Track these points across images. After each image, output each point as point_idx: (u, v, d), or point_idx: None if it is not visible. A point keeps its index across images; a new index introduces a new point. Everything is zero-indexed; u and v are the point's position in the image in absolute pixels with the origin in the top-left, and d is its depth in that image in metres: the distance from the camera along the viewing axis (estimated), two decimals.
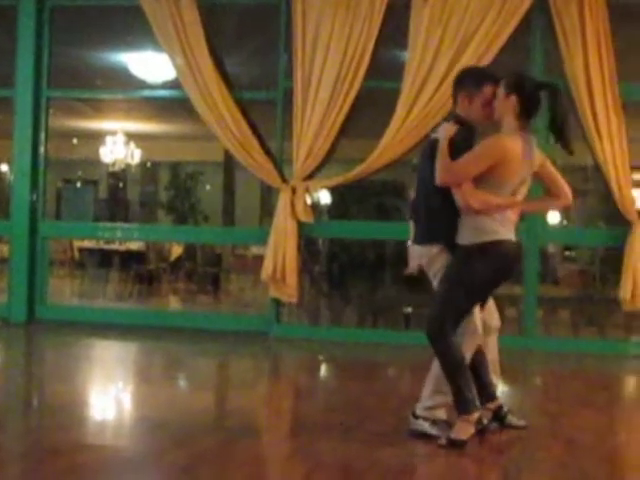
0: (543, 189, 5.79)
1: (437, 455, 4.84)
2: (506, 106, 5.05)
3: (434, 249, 5.15)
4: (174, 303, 14.55)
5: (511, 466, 4.91)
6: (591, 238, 10.19)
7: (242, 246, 15.73)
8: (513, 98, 5.03)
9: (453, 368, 5.00)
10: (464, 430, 4.94)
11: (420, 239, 5.27)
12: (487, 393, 5.33)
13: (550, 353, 8.93)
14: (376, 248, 11.41)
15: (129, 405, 6.43)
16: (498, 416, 5.36)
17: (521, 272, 9.01)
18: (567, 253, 14.99)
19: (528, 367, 8.47)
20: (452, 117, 5.26)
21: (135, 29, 10.11)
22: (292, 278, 9.21)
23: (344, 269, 11.45)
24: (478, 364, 5.24)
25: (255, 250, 14.31)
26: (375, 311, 10.31)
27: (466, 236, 5.03)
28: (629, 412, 6.75)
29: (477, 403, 5.05)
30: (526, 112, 5.04)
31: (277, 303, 9.48)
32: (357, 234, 9.98)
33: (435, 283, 5.19)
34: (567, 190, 5.35)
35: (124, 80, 11.89)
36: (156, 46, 9.88)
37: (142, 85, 11.61)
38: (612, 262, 10.08)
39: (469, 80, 5.28)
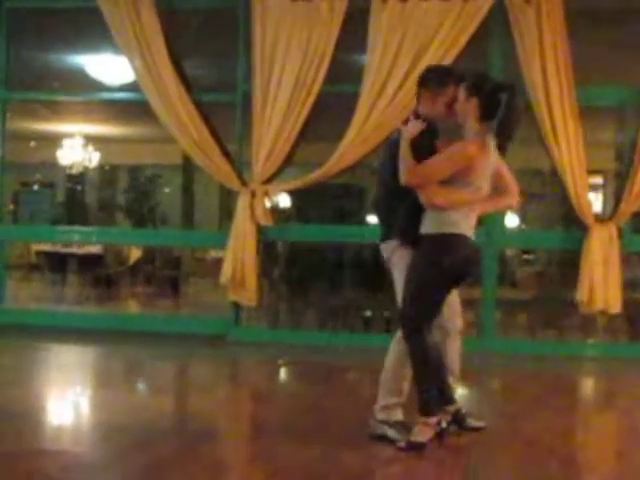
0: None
1: (397, 458, 4.86)
2: (467, 109, 5.07)
3: (393, 243, 5.21)
4: (133, 307, 14.48)
5: (471, 468, 4.94)
6: (549, 241, 10.27)
7: (201, 249, 15.68)
8: (474, 101, 5.05)
9: (426, 368, 5.00)
10: (424, 433, 4.96)
11: (382, 236, 5.31)
12: (446, 396, 5.36)
13: (508, 355, 8.99)
14: (336, 251, 11.42)
15: (88, 410, 6.39)
16: (457, 418, 5.39)
17: (480, 275, 9.07)
18: (525, 256, 15.08)
19: (487, 369, 8.51)
20: (414, 115, 5.24)
21: (93, 31, 10.03)
22: (251, 281, 9.21)
23: (304, 272, 11.44)
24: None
25: (214, 253, 14.27)
26: (335, 314, 10.32)
27: (430, 226, 5.04)
28: (587, 413, 6.82)
29: (439, 406, 5.07)
30: (487, 114, 5.06)
31: (236, 306, 9.46)
32: (316, 237, 9.98)
33: (396, 276, 5.22)
34: (516, 189, 5.42)
35: (82, 82, 11.81)
36: (115, 48, 9.84)
37: (100, 87, 11.53)
38: (569, 265, 10.17)
39: (434, 79, 5.29)
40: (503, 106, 5.01)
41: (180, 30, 9.70)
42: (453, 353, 5.50)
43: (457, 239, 5.02)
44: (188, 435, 5.36)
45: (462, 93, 5.09)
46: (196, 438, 5.22)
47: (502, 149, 5.16)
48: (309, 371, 8.18)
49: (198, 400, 6.83)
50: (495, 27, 9.07)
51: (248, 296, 9.26)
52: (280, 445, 5.05)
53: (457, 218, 5.03)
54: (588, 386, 8.45)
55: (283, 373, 8.43)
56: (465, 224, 5.07)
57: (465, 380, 6.33)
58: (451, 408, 5.34)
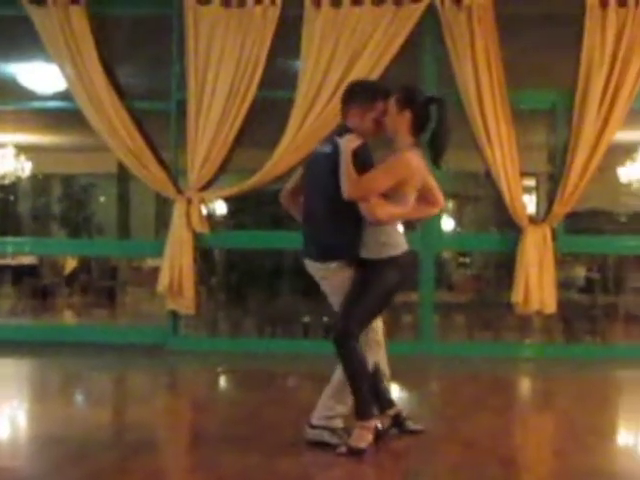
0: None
1: (336, 463, 4.87)
2: (400, 122, 5.10)
3: (333, 265, 5.17)
4: (69, 317, 14.29)
5: (410, 471, 4.96)
6: (484, 244, 10.37)
7: (138, 258, 15.55)
8: (407, 114, 5.08)
9: (358, 375, 5.03)
10: (363, 438, 4.98)
11: (318, 256, 5.24)
12: (385, 400, 5.39)
13: (446, 357, 9.06)
14: (273, 258, 11.41)
15: (24, 423, 6.29)
16: (397, 422, 5.42)
17: (417, 279, 9.13)
18: (461, 259, 15.22)
19: (425, 372, 8.56)
20: (342, 130, 5.24)
21: (24, 40, 9.90)
22: (189, 290, 9.16)
23: (242, 279, 11.42)
24: (376, 371, 5.28)
25: (151, 262, 14.17)
26: (273, 321, 10.30)
27: (375, 251, 5.08)
28: (524, 414, 6.89)
29: (375, 411, 5.10)
30: (419, 127, 5.12)
31: (174, 315, 9.41)
32: (253, 244, 9.97)
33: (332, 298, 5.22)
34: (441, 197, 5.48)
35: (13, 91, 11.65)
36: (46, 57, 9.71)
37: (32, 96, 11.39)
38: (505, 266, 10.28)
39: (362, 94, 5.29)
40: (435, 119, 5.08)
41: (112, 37, 9.62)
42: (382, 358, 5.53)
43: (402, 258, 5.10)
44: (126, 446, 5.31)
45: (393, 107, 5.12)
46: (134, 449, 5.17)
47: (437, 161, 5.20)
48: (248, 379, 8.15)
49: (136, 410, 6.77)
50: (427, 32, 9.14)
51: (186, 304, 9.22)
52: (219, 454, 5.03)
53: (396, 236, 5.13)
54: (525, 387, 8.53)
55: (222, 381, 8.39)
56: (401, 237, 5.17)
57: (403, 383, 6.37)
58: (391, 411, 5.38)
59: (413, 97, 5.14)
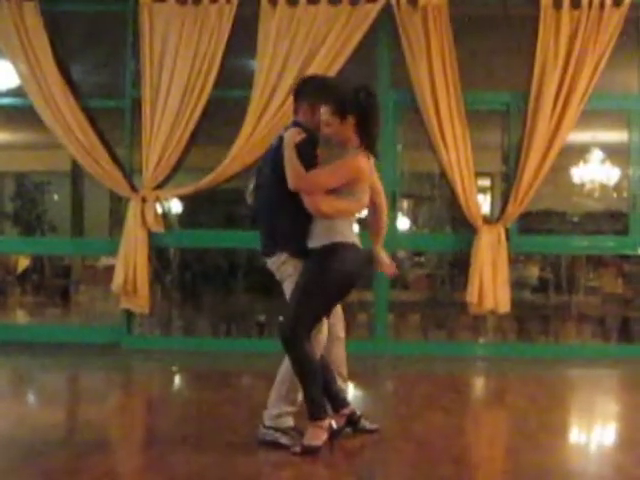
0: None
1: (291, 463, 4.86)
2: (345, 130, 5.09)
3: (282, 257, 5.19)
4: (22, 317, 14.16)
5: (364, 470, 4.97)
6: (439, 243, 10.43)
7: (92, 257, 15.44)
8: (350, 120, 5.07)
9: (307, 374, 5.02)
10: (317, 436, 4.99)
11: (265, 249, 5.29)
12: (339, 399, 5.39)
13: (400, 357, 9.09)
14: (228, 256, 11.39)
15: None
16: (351, 421, 5.43)
17: (372, 277, 9.15)
18: (416, 258, 15.27)
19: (379, 371, 8.60)
20: (293, 125, 5.27)
21: None
22: (143, 288, 9.12)
23: (196, 278, 11.38)
24: (324, 372, 5.27)
25: (105, 260, 14.07)
26: (228, 320, 10.28)
27: (318, 239, 5.08)
28: (477, 413, 6.93)
29: (328, 409, 5.11)
30: (366, 128, 5.11)
31: (128, 314, 9.36)
32: (208, 243, 9.94)
33: (285, 289, 5.23)
34: (385, 203, 5.56)
35: None
36: None
37: None
38: (459, 266, 10.34)
39: (313, 91, 5.31)
40: (363, 106, 5.06)
41: (66, 34, 9.54)
42: (339, 357, 5.54)
43: (346, 248, 5.08)
44: (79, 446, 5.27)
45: (333, 118, 5.07)
46: (87, 448, 5.13)
47: (371, 150, 5.17)
48: (202, 378, 8.13)
49: (89, 410, 6.71)
50: (383, 32, 9.18)
51: (140, 303, 9.17)
52: (173, 453, 5.01)
53: (343, 227, 5.11)
54: (479, 386, 8.59)
55: (176, 380, 8.36)
56: (351, 232, 5.17)
57: (358, 382, 6.39)
58: (345, 411, 5.38)
59: (351, 103, 5.08)
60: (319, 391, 5.06)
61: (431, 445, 5.35)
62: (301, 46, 8.94)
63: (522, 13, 9.03)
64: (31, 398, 7.42)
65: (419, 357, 9.09)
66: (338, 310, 5.50)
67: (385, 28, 9.14)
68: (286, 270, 5.20)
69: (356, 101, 5.08)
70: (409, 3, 8.96)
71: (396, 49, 9.09)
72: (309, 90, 5.33)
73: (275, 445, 5.10)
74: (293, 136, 5.08)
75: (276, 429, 5.16)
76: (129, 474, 4.88)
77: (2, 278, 14.69)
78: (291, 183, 5.02)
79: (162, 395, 7.47)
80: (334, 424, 5.16)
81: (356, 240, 5.18)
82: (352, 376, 5.76)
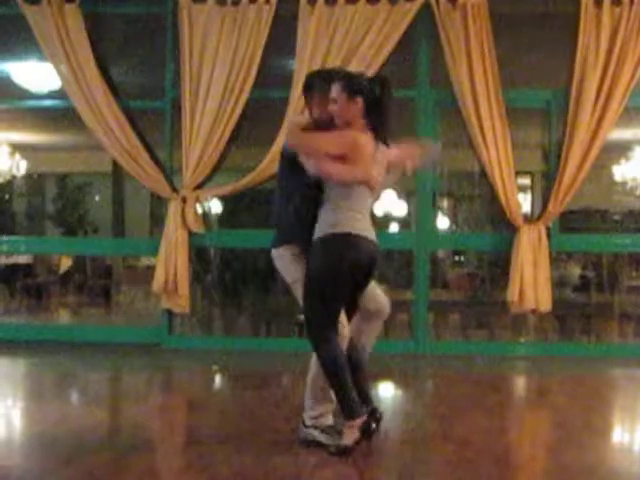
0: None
1: (331, 462, 4.86)
2: (351, 110, 5.06)
3: (280, 249, 5.32)
4: (64, 316, 14.28)
5: (405, 470, 4.95)
6: (479, 243, 10.36)
7: (133, 257, 15.54)
8: (358, 101, 5.05)
9: (331, 374, 5.02)
10: (349, 436, 4.97)
11: (272, 244, 5.42)
12: (362, 397, 5.33)
13: (441, 356, 9.06)
14: (268, 257, 11.39)
15: (19, 423, 6.27)
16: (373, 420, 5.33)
17: (412, 277, 9.14)
18: (456, 258, 15.22)
19: (419, 371, 8.57)
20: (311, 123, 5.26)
21: (18, 38, 9.88)
22: (184, 288, 9.16)
23: (236, 278, 11.40)
24: (356, 370, 5.25)
25: (146, 261, 14.14)
26: (268, 319, 10.30)
27: (320, 230, 5.05)
28: (518, 412, 6.89)
29: (361, 408, 5.06)
30: (374, 113, 5.08)
31: (169, 314, 9.41)
32: (248, 243, 9.96)
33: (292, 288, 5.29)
34: (413, 150, 5.40)
35: (8, 90, 11.62)
36: (40, 55, 9.70)
37: (27, 95, 11.36)
38: (500, 265, 10.28)
39: (320, 82, 5.25)
40: (375, 92, 5.05)
41: (107, 36, 9.62)
42: (369, 332, 5.45)
43: (345, 238, 4.99)
44: (120, 445, 5.30)
45: (342, 95, 5.06)
46: (128, 448, 5.16)
47: (384, 141, 5.13)
48: (243, 377, 8.15)
49: (131, 410, 6.76)
50: (422, 31, 9.16)
51: (181, 303, 9.22)
52: (214, 453, 5.02)
53: (344, 218, 5.00)
54: (520, 385, 8.53)
55: (217, 380, 8.38)
56: (355, 223, 5.03)
57: (398, 381, 6.38)
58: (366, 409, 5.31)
59: (362, 85, 5.08)
60: (348, 390, 5.00)
61: (472, 445, 5.32)
62: (340, 45, 8.94)
63: (562, 10, 8.96)
64: (73, 398, 7.47)
65: (459, 356, 9.05)
66: (372, 289, 5.42)
67: (424, 27, 9.11)
68: (280, 262, 5.34)
69: (369, 85, 5.08)
70: (448, 1, 8.93)
71: (435, 48, 9.07)
72: (317, 82, 5.27)
73: (316, 444, 5.11)
74: (294, 118, 5.11)
75: (315, 427, 5.17)
76: (170, 474, 4.91)
77: (45, 278, 14.80)
78: (289, 141, 5.11)
79: (202, 395, 7.50)
80: (373, 424, 5.12)
81: (364, 232, 5.05)
82: (392, 375, 5.74)
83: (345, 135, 5.05)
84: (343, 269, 5.00)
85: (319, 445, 5.09)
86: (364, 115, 5.07)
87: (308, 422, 5.20)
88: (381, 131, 5.11)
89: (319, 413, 5.20)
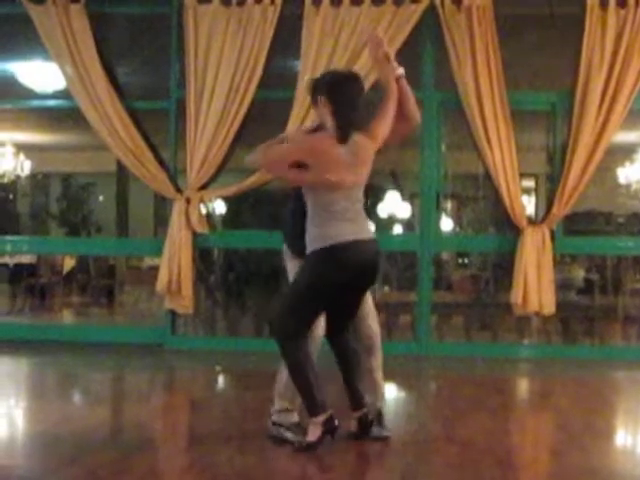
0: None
1: (336, 463, 4.87)
2: (321, 110, 5.07)
3: (284, 248, 5.45)
4: (67, 317, 14.30)
5: (408, 471, 4.95)
6: (483, 244, 10.37)
7: (136, 257, 15.55)
8: (323, 100, 5.03)
9: (299, 371, 5.06)
10: (313, 433, 4.99)
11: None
12: (355, 399, 5.32)
13: (444, 358, 9.06)
14: (271, 257, 11.40)
15: (22, 422, 6.28)
16: (363, 426, 5.31)
17: (415, 279, 9.15)
18: (460, 260, 15.22)
19: (422, 372, 8.56)
20: (315, 128, 5.23)
21: (23, 37, 9.90)
22: (187, 289, 9.16)
23: (240, 279, 11.41)
24: (351, 367, 5.28)
25: (150, 261, 14.16)
26: (271, 321, 10.28)
27: (308, 244, 5.04)
28: (522, 414, 6.89)
29: (324, 405, 5.01)
30: (337, 110, 5.02)
31: (173, 314, 9.41)
32: (252, 244, 9.97)
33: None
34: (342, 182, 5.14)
35: (12, 90, 11.63)
36: (45, 55, 9.71)
37: (31, 95, 11.37)
38: (503, 268, 10.28)
39: (310, 92, 5.25)
40: (332, 87, 5.04)
41: (112, 36, 9.63)
42: (374, 372, 5.45)
43: (330, 251, 4.94)
44: (123, 445, 5.30)
45: (309, 98, 5.20)
46: (131, 448, 5.16)
47: (344, 132, 5.01)
48: (246, 378, 8.15)
49: (133, 410, 6.77)
50: (427, 32, 9.16)
51: (184, 304, 9.21)
52: (216, 453, 5.02)
53: (328, 230, 4.95)
54: (523, 387, 8.53)
55: (220, 381, 8.39)
56: (340, 230, 4.96)
57: (401, 383, 6.38)
58: (357, 414, 5.30)
59: (320, 84, 5.10)
60: (309, 387, 5.01)
61: (475, 447, 5.32)
62: (345, 46, 8.94)
63: (567, 12, 8.96)
64: (76, 398, 7.49)
65: (462, 358, 9.05)
66: (364, 315, 5.43)
67: (429, 28, 9.11)
68: (287, 264, 5.41)
69: (323, 82, 5.10)
70: (453, 3, 8.92)
71: (440, 49, 9.07)
72: (309, 92, 5.27)
73: (281, 440, 5.17)
74: (297, 130, 5.17)
75: (281, 425, 5.24)
76: (173, 474, 4.91)
77: (48, 278, 14.82)
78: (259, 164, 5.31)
79: (205, 395, 7.50)
80: (335, 420, 5.04)
81: (353, 235, 4.98)
82: (395, 377, 5.74)
83: (301, 141, 5.08)
84: (328, 286, 5.02)
85: (285, 442, 5.14)
86: (333, 113, 5.02)
87: (274, 417, 5.28)
88: (346, 128, 5.00)
89: (282, 408, 5.28)
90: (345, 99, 5.03)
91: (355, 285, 5.11)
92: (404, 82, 5.26)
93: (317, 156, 4.97)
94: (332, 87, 5.06)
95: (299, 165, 5.00)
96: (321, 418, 4.98)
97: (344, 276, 4.99)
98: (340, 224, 4.97)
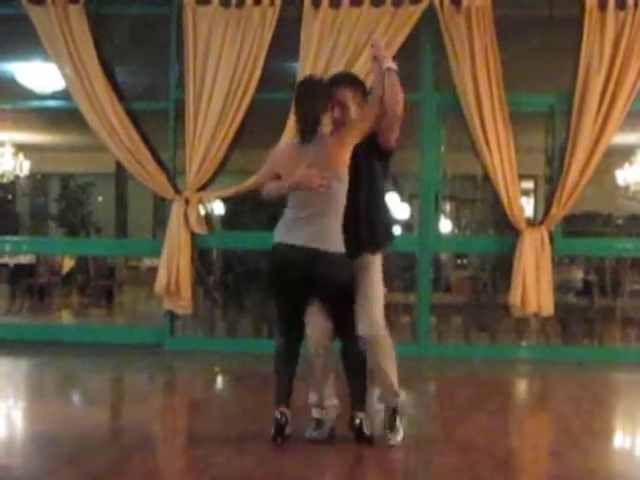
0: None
1: (334, 464, 4.88)
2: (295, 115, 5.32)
3: None
4: (67, 317, 14.29)
5: (407, 473, 4.96)
6: (482, 246, 10.38)
7: (135, 258, 15.55)
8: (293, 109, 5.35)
9: (275, 363, 5.61)
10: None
11: None
12: (350, 403, 5.35)
13: (443, 359, 9.06)
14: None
15: (21, 422, 6.29)
16: (351, 427, 5.29)
17: (414, 280, 9.15)
18: (459, 261, 15.22)
19: (421, 373, 8.57)
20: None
21: (23, 38, 9.90)
22: (186, 290, 9.16)
23: (239, 280, 11.41)
24: (346, 372, 5.40)
25: (149, 262, 14.15)
26: (270, 321, 10.29)
27: None
28: (521, 416, 6.89)
29: (281, 401, 5.30)
30: (297, 115, 5.24)
31: (171, 315, 9.41)
32: (250, 245, 9.97)
33: None
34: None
35: (12, 90, 11.64)
36: (45, 56, 9.71)
37: (30, 95, 11.38)
38: (502, 269, 10.28)
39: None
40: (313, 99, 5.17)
41: (111, 37, 9.63)
42: (377, 371, 5.45)
43: (272, 250, 5.27)
44: (122, 446, 5.32)
45: None
46: (130, 449, 5.17)
47: (300, 134, 5.22)
48: (245, 379, 8.15)
49: (132, 410, 6.77)
50: (426, 34, 9.16)
51: (183, 304, 9.21)
52: (216, 454, 5.02)
53: (281, 229, 5.27)
54: (522, 389, 8.54)
55: (219, 381, 8.39)
56: (281, 230, 5.26)
57: (400, 384, 6.34)
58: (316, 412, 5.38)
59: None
60: (278, 381, 5.51)
61: (474, 448, 5.32)
62: (344, 48, 8.94)
63: (566, 14, 8.96)
64: (75, 398, 7.49)
65: (461, 359, 9.05)
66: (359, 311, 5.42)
67: (428, 30, 9.11)
68: None
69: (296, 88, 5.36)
70: (452, 4, 8.92)
71: (439, 51, 9.07)
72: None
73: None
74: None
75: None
76: (172, 474, 4.92)
77: (47, 279, 14.81)
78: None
79: (205, 396, 7.51)
80: (282, 418, 5.24)
81: (285, 238, 5.19)
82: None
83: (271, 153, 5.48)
84: (271, 279, 5.37)
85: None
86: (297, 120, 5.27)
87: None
88: (298, 128, 5.22)
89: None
90: (297, 104, 5.24)
91: (291, 287, 5.25)
92: (393, 75, 5.26)
93: (279, 163, 5.39)
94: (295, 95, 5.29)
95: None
96: (276, 411, 5.25)
97: (272, 275, 5.35)
98: (282, 226, 5.27)
